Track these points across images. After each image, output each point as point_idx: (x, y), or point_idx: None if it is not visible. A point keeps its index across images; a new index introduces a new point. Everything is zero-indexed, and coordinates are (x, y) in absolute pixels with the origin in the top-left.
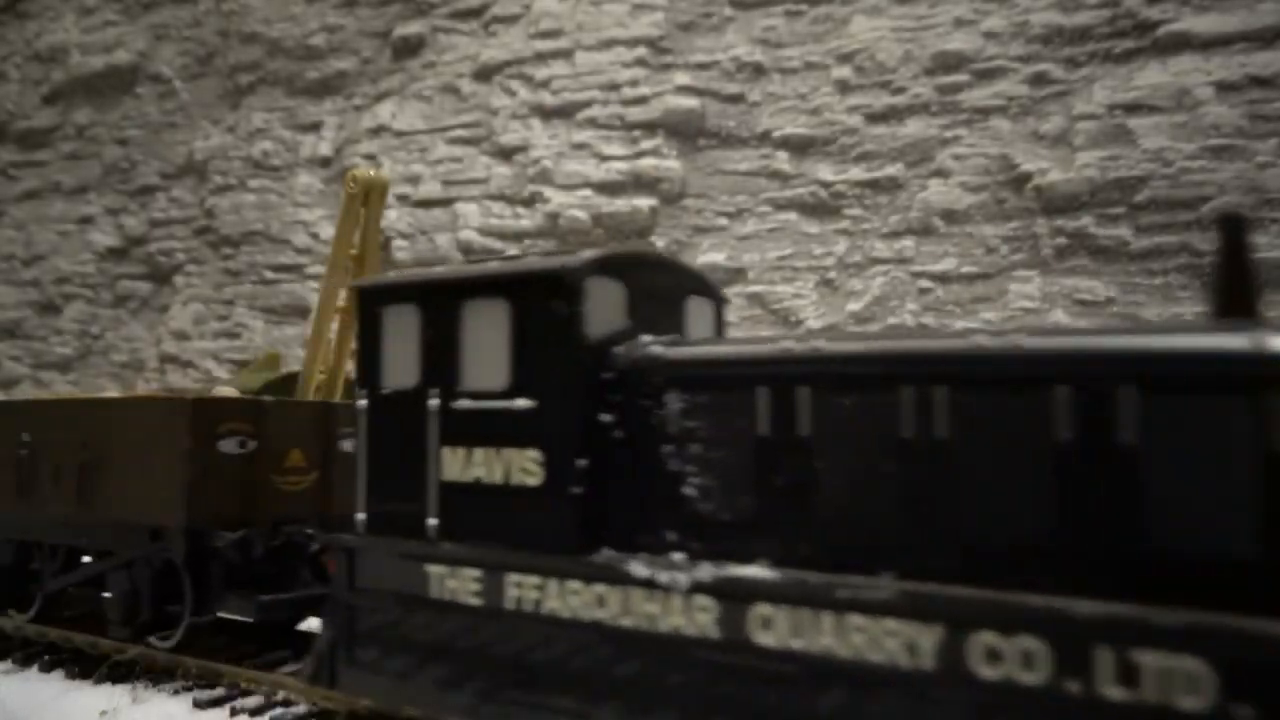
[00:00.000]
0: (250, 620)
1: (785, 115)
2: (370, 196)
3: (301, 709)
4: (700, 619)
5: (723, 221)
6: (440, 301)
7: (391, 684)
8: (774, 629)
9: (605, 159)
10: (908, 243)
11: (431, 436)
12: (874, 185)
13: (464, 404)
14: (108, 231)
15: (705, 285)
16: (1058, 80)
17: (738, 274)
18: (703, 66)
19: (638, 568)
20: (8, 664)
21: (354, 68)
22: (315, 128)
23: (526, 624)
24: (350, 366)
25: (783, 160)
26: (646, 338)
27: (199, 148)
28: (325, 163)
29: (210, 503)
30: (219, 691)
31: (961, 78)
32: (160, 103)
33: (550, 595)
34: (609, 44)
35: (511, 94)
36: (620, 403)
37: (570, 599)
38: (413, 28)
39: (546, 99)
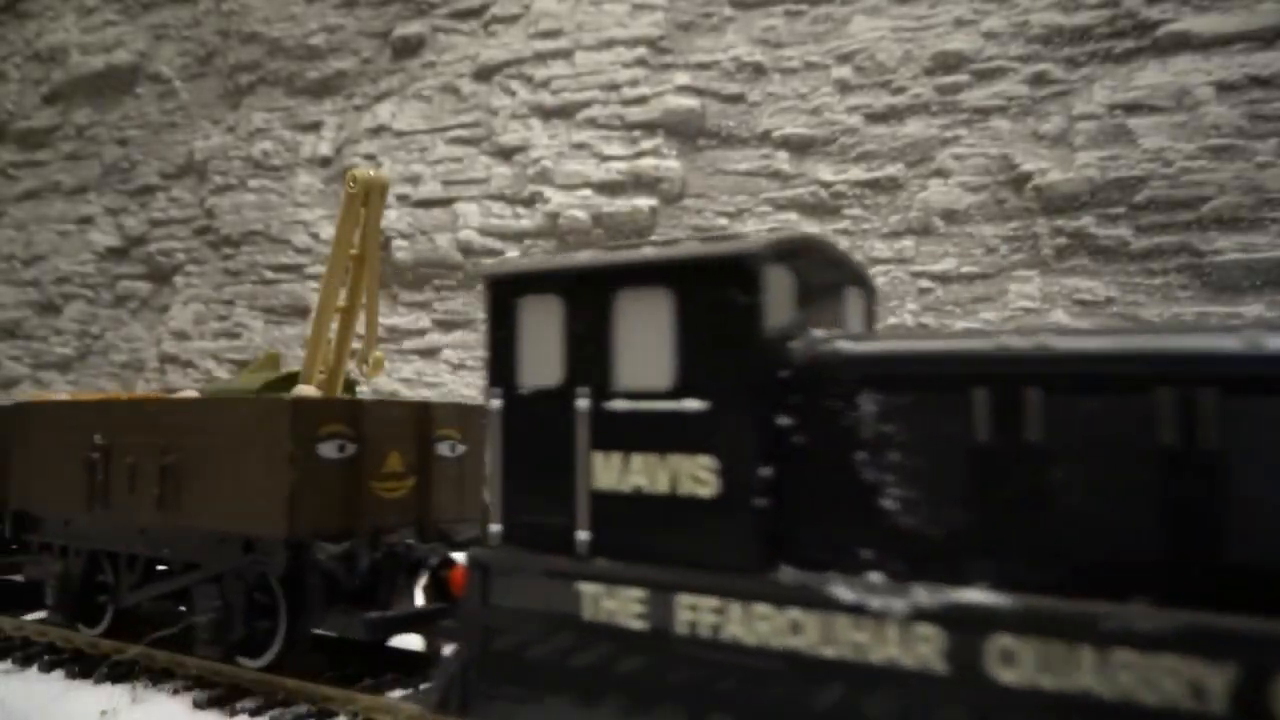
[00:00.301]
0: (355, 639)
1: (785, 115)
2: (370, 196)
3: (302, 709)
4: (921, 650)
5: (723, 221)
6: (589, 291)
7: (534, 714)
8: (1018, 664)
9: (605, 159)
10: (908, 243)
11: (580, 441)
12: (874, 185)
13: (619, 405)
14: (108, 231)
15: (861, 275)
16: (1058, 80)
17: None
18: (703, 66)
19: (841, 590)
20: (8, 664)
21: (354, 68)
22: (315, 128)
23: (702, 651)
24: (350, 366)
25: (783, 160)
26: (821, 331)
27: (199, 148)
28: (325, 163)
29: (312, 512)
30: (219, 691)
31: (961, 78)
32: (160, 103)
33: (732, 620)
34: (609, 44)
35: (511, 94)
36: (800, 404)
37: (758, 625)
38: (413, 28)
39: (546, 99)
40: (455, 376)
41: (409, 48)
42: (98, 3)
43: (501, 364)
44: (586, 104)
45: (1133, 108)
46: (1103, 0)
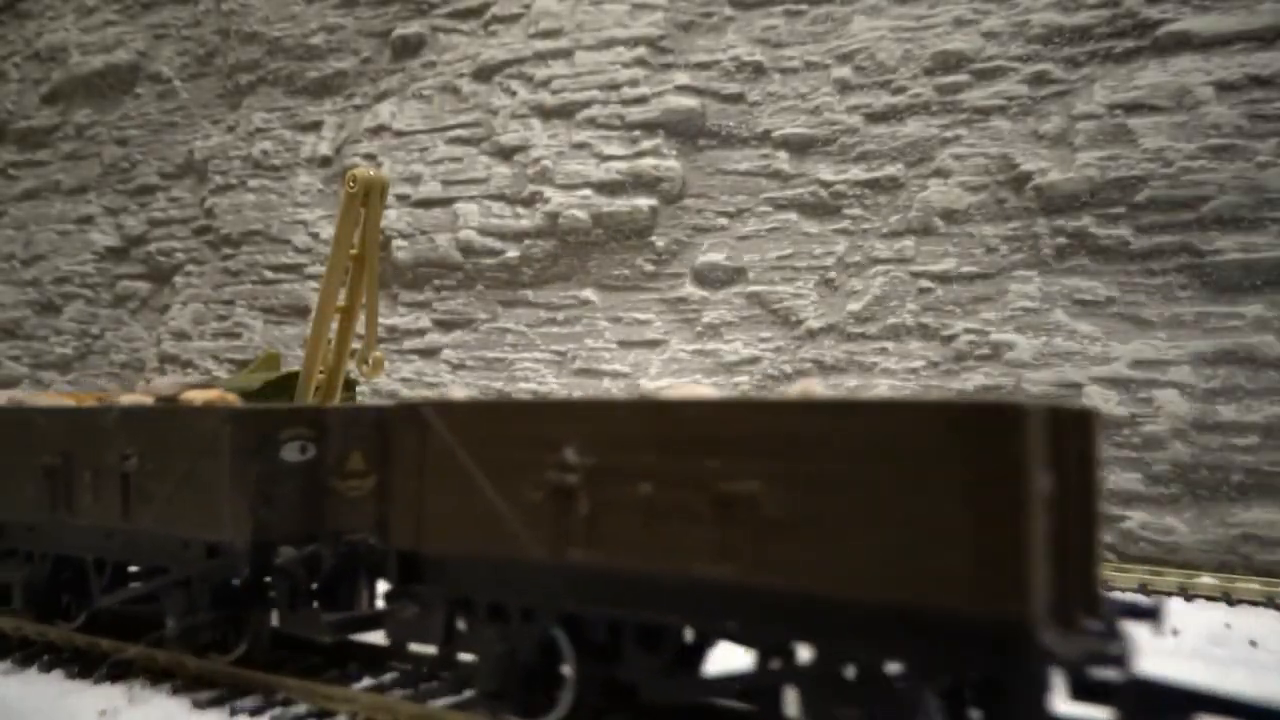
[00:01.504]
0: None
1: (785, 115)
2: (370, 196)
3: (302, 709)
4: None
5: (723, 221)
6: None
7: None
8: None
9: (605, 159)
10: (908, 243)
11: None
12: (874, 185)
13: None
14: (107, 231)
15: None
16: (1058, 80)
17: (738, 274)
18: (703, 66)
19: None
20: (8, 664)
21: (354, 68)
22: (315, 128)
23: None
24: (350, 366)
25: (783, 160)
26: None
27: (199, 148)
28: (325, 163)
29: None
30: (219, 691)
31: (961, 78)
32: (160, 103)
33: None
34: (609, 44)
35: (511, 94)
36: None
37: None
38: (413, 27)
39: (546, 99)
40: (455, 376)
41: (409, 48)
42: (98, 2)
43: None
44: (586, 104)
45: (1133, 108)
46: (1102, 0)
